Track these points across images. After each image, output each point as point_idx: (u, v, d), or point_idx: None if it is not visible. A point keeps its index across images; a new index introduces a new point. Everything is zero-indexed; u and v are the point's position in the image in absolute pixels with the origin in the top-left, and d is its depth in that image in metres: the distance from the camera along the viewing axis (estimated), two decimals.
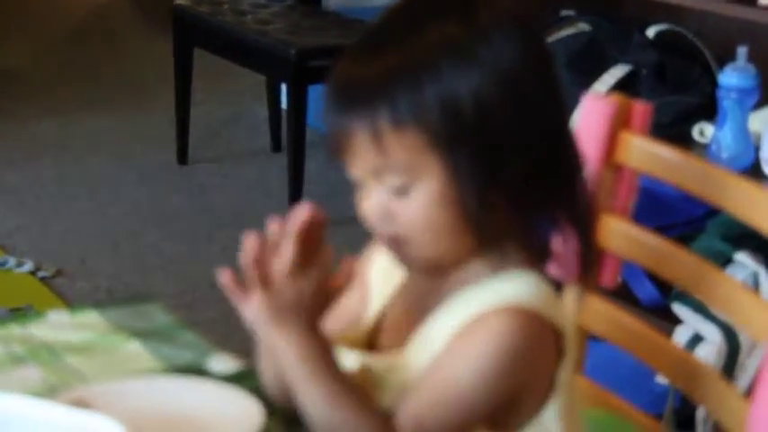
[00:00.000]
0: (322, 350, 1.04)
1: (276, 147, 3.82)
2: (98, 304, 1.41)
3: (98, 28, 5.07)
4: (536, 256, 1.07)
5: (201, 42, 3.62)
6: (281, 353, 1.04)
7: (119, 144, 3.83)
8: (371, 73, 1.03)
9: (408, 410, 1.03)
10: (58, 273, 2.96)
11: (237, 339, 1.30)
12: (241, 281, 1.05)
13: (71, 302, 2.79)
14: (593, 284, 1.38)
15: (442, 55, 1.02)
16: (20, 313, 2.61)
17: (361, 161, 1.04)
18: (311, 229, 1.04)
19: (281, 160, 3.50)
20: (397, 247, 1.07)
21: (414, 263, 1.08)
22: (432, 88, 1.01)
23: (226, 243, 3.01)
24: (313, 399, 1.03)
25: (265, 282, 1.03)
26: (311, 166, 3.30)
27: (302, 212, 1.04)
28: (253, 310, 1.03)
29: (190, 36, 3.63)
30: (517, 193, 1.04)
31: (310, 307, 1.04)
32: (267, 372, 1.14)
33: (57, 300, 2.80)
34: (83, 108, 4.10)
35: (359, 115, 1.02)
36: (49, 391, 1.20)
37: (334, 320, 1.15)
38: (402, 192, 1.04)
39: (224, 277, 1.04)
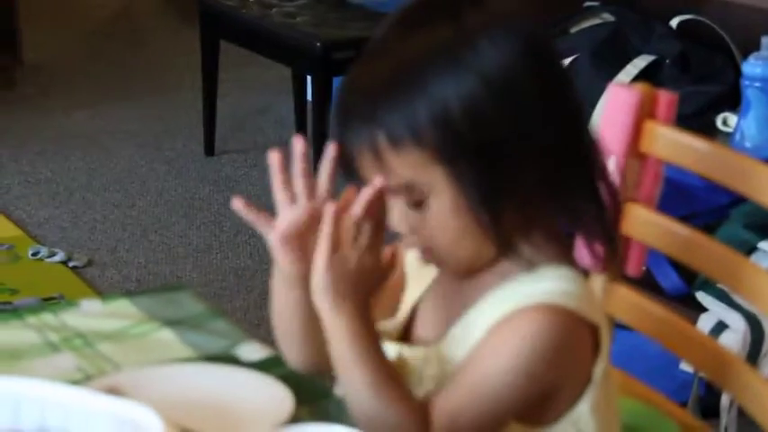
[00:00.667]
0: (372, 331, 1.05)
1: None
2: (129, 293, 1.43)
3: (126, 21, 5.10)
4: (565, 250, 1.07)
5: (228, 35, 3.64)
6: (331, 324, 1.04)
7: (147, 136, 3.86)
8: (365, 93, 1.03)
9: (443, 404, 1.04)
10: (89, 262, 2.99)
11: (265, 327, 1.31)
12: (258, 208, 1.07)
13: (102, 291, 2.82)
14: (619, 273, 1.39)
15: (427, 64, 1.02)
16: (52, 302, 2.64)
17: (370, 177, 1.04)
18: (379, 205, 1.04)
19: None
20: (429, 256, 1.08)
21: (448, 269, 1.10)
22: (422, 104, 1.01)
23: (252, 233, 3.03)
24: (357, 379, 1.04)
25: (334, 246, 1.02)
26: None
27: (375, 181, 1.03)
28: (316, 271, 1.03)
29: (216, 29, 3.65)
30: (531, 195, 1.04)
31: (368, 283, 1.04)
32: (286, 329, 1.14)
33: (87, 289, 2.84)
34: (111, 100, 4.14)
35: (358, 137, 1.03)
36: (82, 379, 1.22)
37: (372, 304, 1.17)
38: (418, 206, 1.05)
39: (238, 204, 1.06)
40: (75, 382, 1.18)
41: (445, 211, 1.04)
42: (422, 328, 1.14)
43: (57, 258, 2.98)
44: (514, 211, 1.05)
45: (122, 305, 1.39)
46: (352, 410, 1.05)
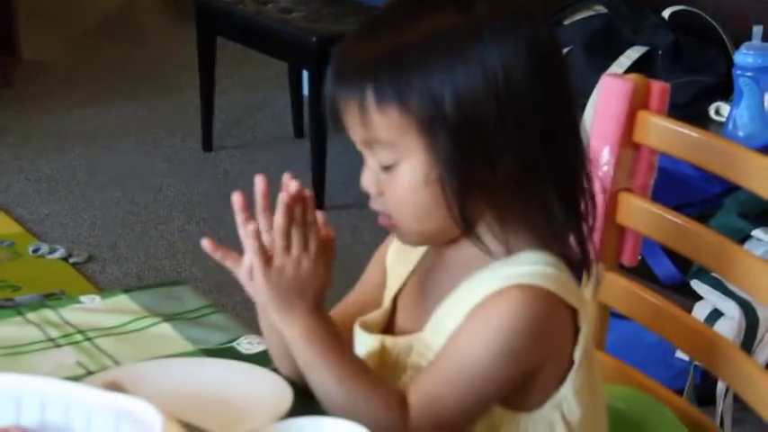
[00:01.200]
0: (328, 329, 1.07)
1: (299, 133, 3.85)
2: (129, 288, 1.44)
3: (125, 20, 5.11)
4: (546, 239, 1.08)
5: (224, 31, 3.65)
6: (287, 333, 1.07)
7: (146, 132, 3.87)
8: (363, 52, 1.06)
9: (422, 387, 1.05)
10: (90, 258, 3.01)
11: None
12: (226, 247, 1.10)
13: (102, 287, 2.83)
14: (613, 262, 1.40)
15: (429, 45, 1.04)
16: (53, 298, 2.65)
17: (354, 132, 1.08)
18: (303, 207, 1.07)
19: (304, 146, 3.52)
20: (390, 222, 1.10)
21: (404, 238, 1.11)
22: (416, 78, 1.04)
23: None
24: (323, 379, 1.06)
25: (267, 260, 1.06)
26: (333, 151, 3.33)
27: (290, 186, 1.06)
28: (256, 289, 1.07)
29: (213, 26, 3.66)
30: (505, 183, 1.05)
31: (311, 285, 1.07)
32: (272, 345, 1.17)
33: (88, 285, 2.85)
34: (111, 98, 4.15)
35: (348, 89, 1.06)
36: (83, 374, 1.23)
37: (357, 307, 1.18)
38: (389, 168, 1.07)
39: (207, 245, 1.09)
40: (76, 378, 1.19)
41: (414, 179, 1.06)
42: (403, 319, 1.16)
43: (57, 255, 2.99)
44: (484, 194, 1.06)
45: (122, 301, 1.40)
46: (327, 407, 1.07)
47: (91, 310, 1.38)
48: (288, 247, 1.06)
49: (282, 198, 1.06)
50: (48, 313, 1.37)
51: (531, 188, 1.06)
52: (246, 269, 1.09)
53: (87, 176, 3.53)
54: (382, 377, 1.09)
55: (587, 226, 1.09)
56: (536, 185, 1.06)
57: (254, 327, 1.35)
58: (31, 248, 3.02)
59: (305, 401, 1.14)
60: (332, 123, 1.09)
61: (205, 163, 3.65)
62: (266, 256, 1.06)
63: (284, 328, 1.07)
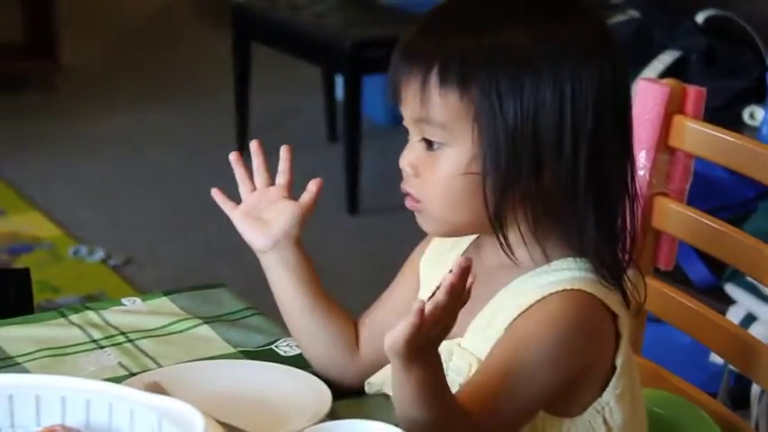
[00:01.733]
0: (439, 377, 1.03)
1: (332, 137, 3.87)
2: (169, 291, 1.46)
3: (162, 25, 5.16)
4: (584, 246, 1.08)
5: (259, 37, 3.68)
6: (401, 378, 1.01)
7: (182, 136, 3.91)
8: (437, 32, 1.08)
9: (480, 398, 1.04)
10: (128, 261, 3.04)
11: None
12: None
13: (140, 289, 2.87)
14: (649, 266, 1.41)
15: (506, 47, 1.05)
16: (93, 300, 2.69)
17: (409, 108, 1.09)
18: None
19: (338, 150, 3.54)
20: (415, 204, 1.11)
21: (428, 224, 1.12)
22: (484, 70, 1.05)
23: None
24: (419, 416, 1.02)
25: (420, 326, 0.98)
26: (367, 155, 3.35)
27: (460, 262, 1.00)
28: (394, 342, 0.99)
29: (248, 31, 3.69)
30: (546, 193, 1.06)
31: (441, 341, 1.02)
32: (294, 329, 1.23)
33: (127, 287, 2.89)
34: (148, 102, 4.19)
35: (414, 64, 1.07)
36: (125, 375, 1.25)
37: (389, 311, 1.20)
38: (433, 148, 1.08)
39: (215, 193, 1.30)
40: (118, 379, 1.21)
41: (455, 166, 1.07)
42: None
43: (96, 257, 3.03)
44: (522, 199, 1.07)
45: (162, 303, 1.43)
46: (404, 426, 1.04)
47: (132, 311, 1.41)
48: (442, 321, 1.00)
49: (449, 279, 0.99)
50: (90, 315, 1.39)
51: (568, 203, 1.07)
52: (243, 212, 1.31)
53: (125, 180, 3.57)
54: (459, 401, 1.04)
55: (624, 246, 1.09)
56: (573, 202, 1.06)
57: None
58: (71, 251, 3.06)
59: (343, 404, 1.16)
60: (389, 94, 1.10)
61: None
62: (422, 321, 0.98)
63: (399, 374, 1.01)
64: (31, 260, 2.96)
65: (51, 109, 4.08)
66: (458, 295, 1.00)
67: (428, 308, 0.98)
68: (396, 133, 4.40)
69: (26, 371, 1.26)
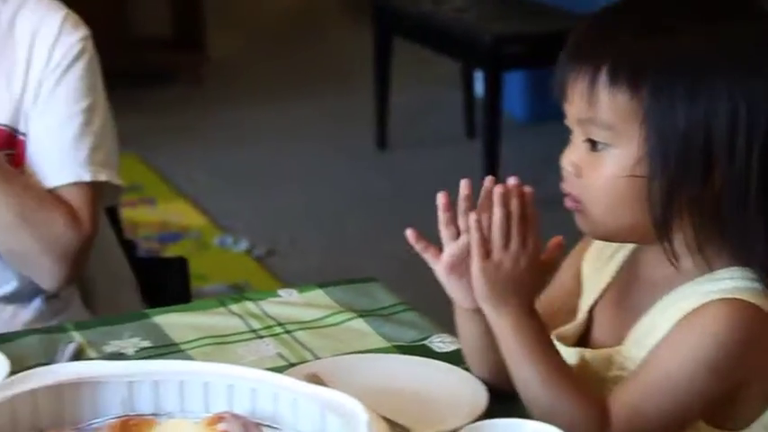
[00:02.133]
0: (539, 328, 1.08)
1: (470, 133, 3.87)
2: (323, 284, 1.49)
3: (304, 19, 5.24)
4: (750, 254, 1.07)
5: (400, 31, 3.71)
6: (497, 327, 1.09)
7: (323, 129, 3.97)
8: (608, 31, 1.07)
9: (624, 398, 1.06)
10: (271, 252, 3.11)
11: (448, 320, 1.35)
12: (427, 240, 1.14)
13: (284, 280, 2.92)
14: None
15: (684, 49, 1.04)
16: (238, 289, 2.77)
17: (575, 108, 1.08)
18: (522, 204, 1.08)
19: (476, 146, 3.55)
20: (575, 205, 1.10)
21: (588, 226, 1.11)
22: (658, 72, 1.03)
23: (423, 225, 3.08)
24: (528, 376, 1.07)
25: (485, 254, 1.07)
26: (505, 152, 3.34)
27: (509, 180, 1.08)
28: (473, 279, 1.08)
29: (389, 25, 3.72)
30: (713, 200, 1.05)
31: (528, 283, 1.08)
32: (467, 344, 1.19)
33: (270, 277, 2.95)
34: (291, 95, 4.26)
35: (583, 62, 1.07)
36: (285, 366, 1.29)
37: (546, 306, 1.20)
38: (597, 149, 1.07)
39: (411, 235, 1.13)
40: (278, 369, 1.24)
41: (620, 168, 1.06)
42: (600, 332, 1.16)
43: (241, 247, 3.11)
44: (688, 204, 1.05)
45: (318, 295, 1.46)
46: (528, 406, 1.08)
47: (289, 303, 1.44)
48: (507, 243, 1.07)
49: (498, 190, 1.07)
50: (249, 305, 1.43)
51: (736, 208, 1.05)
52: (445, 265, 1.12)
53: (268, 171, 3.64)
54: (585, 383, 1.10)
55: None
56: (742, 207, 1.05)
57: (443, 325, 1.39)
58: (216, 240, 3.14)
59: (500, 402, 1.17)
60: (556, 91, 1.10)
61: (379, 160, 3.73)
62: (485, 250, 1.07)
63: (495, 320, 1.08)
64: (179, 248, 3.05)
65: (198, 101, 4.19)
66: (507, 207, 1.04)
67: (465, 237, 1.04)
68: (535, 129, 4.39)
69: (190, 357, 1.31)
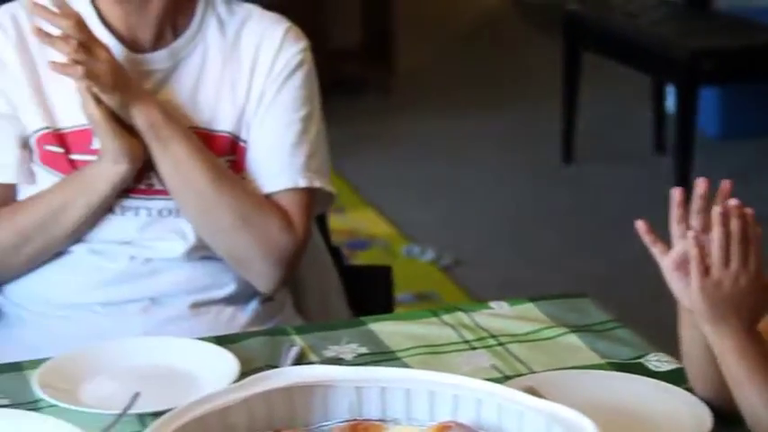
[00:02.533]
0: (762, 350, 1.06)
1: (659, 148, 3.80)
2: (534, 297, 1.49)
3: (490, 31, 5.26)
4: None
5: (590, 44, 3.67)
6: (718, 348, 1.07)
7: (509, 142, 3.98)
8: None
9: None
10: (457, 262, 3.12)
11: (666, 338, 1.33)
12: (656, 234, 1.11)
13: (471, 291, 2.93)
14: None
15: None
16: (425, 299, 2.79)
17: None
18: (744, 224, 1.06)
19: (664, 162, 3.49)
20: None
21: None
22: None
23: (611, 242, 3.06)
24: (754, 400, 1.05)
25: (705, 270, 1.06)
26: (697, 168, 3.27)
27: (729, 201, 1.07)
28: (691, 296, 1.07)
29: (580, 40, 3.69)
30: None
31: (749, 303, 1.06)
32: (691, 362, 1.17)
33: (457, 288, 2.97)
34: (476, 107, 4.28)
35: None
36: (500, 378, 1.29)
37: None
38: None
39: (641, 226, 1.11)
40: (493, 381, 1.24)
41: None
42: None
43: (427, 257, 3.13)
44: None
45: (529, 309, 1.46)
46: (753, 430, 1.06)
47: (500, 315, 1.45)
48: (727, 262, 1.06)
49: (717, 210, 1.07)
50: (461, 316, 1.45)
51: None
52: (672, 261, 1.11)
53: (454, 183, 3.67)
54: None
55: None
56: None
57: (658, 344, 1.37)
58: (404, 249, 3.18)
59: (725, 425, 1.15)
60: None
61: (565, 174, 3.70)
62: (705, 267, 1.07)
63: (715, 340, 1.08)
64: (367, 256, 3.10)
65: (386, 112, 4.25)
66: (727, 227, 1.01)
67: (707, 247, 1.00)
68: (728, 147, 4.26)
69: (406, 365, 1.33)
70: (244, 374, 1.23)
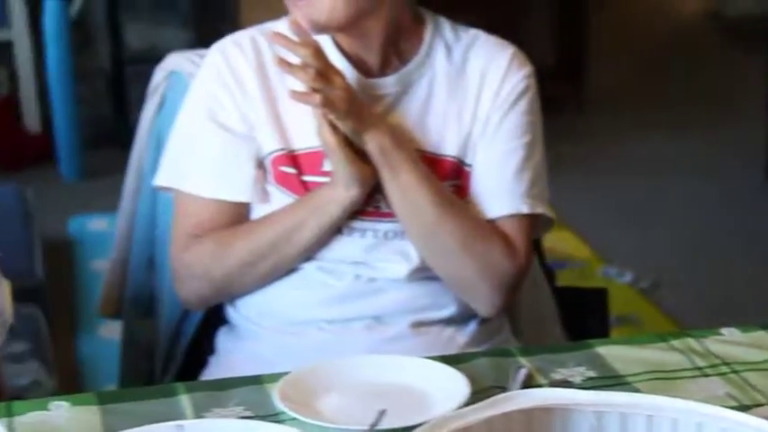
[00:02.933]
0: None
1: None
2: (766, 324, 1.44)
3: (683, 46, 5.16)
4: None
5: None
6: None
7: (708, 160, 3.88)
8: None
9: None
10: (655, 285, 3.06)
11: None
12: None
13: (671, 315, 2.87)
14: None
15: None
16: (624, 322, 2.75)
17: None
18: None
19: None
20: None
21: None
22: None
23: None
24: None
25: None
26: None
27: None
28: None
29: None
30: None
31: None
32: None
33: (657, 311, 2.90)
34: (673, 125, 4.20)
35: None
36: (737, 406, 1.25)
37: None
38: None
39: None
40: (731, 410, 1.21)
41: None
42: None
43: (625, 279, 3.08)
44: None
45: (761, 336, 1.41)
46: None
47: (732, 342, 1.41)
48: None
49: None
50: (691, 342, 1.41)
51: None
52: None
53: (651, 204, 3.60)
54: None
55: None
56: None
57: None
58: (601, 271, 3.14)
59: None
60: None
61: (767, 197, 3.59)
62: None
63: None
64: (564, 277, 3.06)
65: (582, 131, 4.22)
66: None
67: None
68: None
69: (636, 390, 1.31)
70: (473, 395, 1.24)
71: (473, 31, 1.59)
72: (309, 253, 1.52)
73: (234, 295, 1.57)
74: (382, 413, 1.13)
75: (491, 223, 1.54)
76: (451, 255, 1.51)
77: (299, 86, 1.45)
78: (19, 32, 4.02)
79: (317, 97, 1.43)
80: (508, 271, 1.52)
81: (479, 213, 1.54)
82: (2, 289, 1.49)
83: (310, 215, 1.49)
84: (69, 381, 2.61)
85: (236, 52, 1.54)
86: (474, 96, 1.55)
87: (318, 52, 1.45)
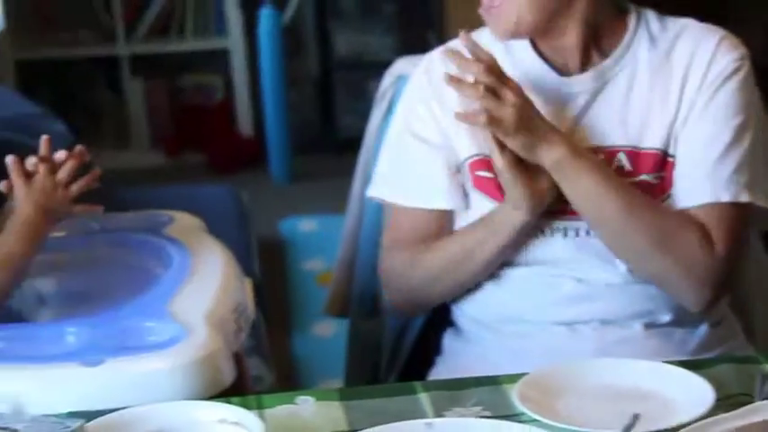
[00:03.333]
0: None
1: None
2: None
3: None
4: None
5: None
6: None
7: None
8: None
9: None
10: None
11: None
12: None
13: None
14: None
15: None
16: None
17: None
18: None
19: None
20: None
21: None
22: None
23: None
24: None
25: None
26: None
27: None
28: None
29: None
30: None
31: None
32: None
33: None
34: None
35: None
36: None
37: None
38: None
39: None
40: None
41: None
42: None
43: None
44: None
45: None
46: None
47: None
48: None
49: None
50: None
51: None
52: None
53: None
54: None
55: None
56: None
57: None
58: None
59: None
60: None
61: None
62: None
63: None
64: None
65: None
66: None
67: None
68: None
69: None
70: (717, 402, 1.21)
71: (683, 21, 1.55)
72: (492, 268, 1.53)
73: (424, 306, 1.61)
74: (636, 417, 1.11)
75: (687, 214, 1.48)
76: (645, 254, 1.48)
77: (469, 105, 1.46)
78: (235, 40, 4.18)
79: (482, 118, 1.43)
80: (705, 263, 1.47)
81: (671, 206, 1.49)
82: (245, 287, 1.55)
83: (490, 235, 1.51)
84: (286, 377, 2.68)
85: (439, 65, 1.55)
86: (679, 82, 1.50)
87: (491, 67, 1.45)
